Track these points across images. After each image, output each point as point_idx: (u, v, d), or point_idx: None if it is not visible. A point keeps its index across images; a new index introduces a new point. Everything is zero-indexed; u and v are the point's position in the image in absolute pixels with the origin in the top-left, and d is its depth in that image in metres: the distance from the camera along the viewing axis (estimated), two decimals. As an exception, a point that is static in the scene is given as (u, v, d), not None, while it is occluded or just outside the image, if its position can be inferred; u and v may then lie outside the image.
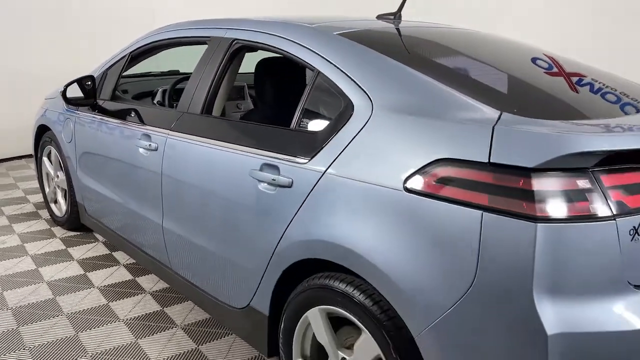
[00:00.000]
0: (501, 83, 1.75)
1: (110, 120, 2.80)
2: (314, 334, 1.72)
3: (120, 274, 3.03)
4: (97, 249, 3.39)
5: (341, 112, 1.66)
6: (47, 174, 3.81)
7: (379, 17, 2.40)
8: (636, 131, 1.37)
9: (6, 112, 5.59)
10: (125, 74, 3.06)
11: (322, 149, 1.65)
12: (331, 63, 1.76)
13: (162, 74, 3.88)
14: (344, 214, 1.54)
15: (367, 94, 1.62)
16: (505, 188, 1.23)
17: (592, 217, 1.19)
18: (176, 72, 3.88)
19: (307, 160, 1.68)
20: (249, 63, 2.47)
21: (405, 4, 2.37)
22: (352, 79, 1.68)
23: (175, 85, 3.06)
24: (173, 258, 2.39)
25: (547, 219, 1.18)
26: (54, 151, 3.59)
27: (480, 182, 1.27)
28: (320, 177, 1.62)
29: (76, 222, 3.48)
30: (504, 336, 1.23)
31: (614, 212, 1.20)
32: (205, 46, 2.36)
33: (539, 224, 1.17)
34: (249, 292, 1.94)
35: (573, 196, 1.20)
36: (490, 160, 1.27)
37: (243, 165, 1.89)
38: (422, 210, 1.35)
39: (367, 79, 1.66)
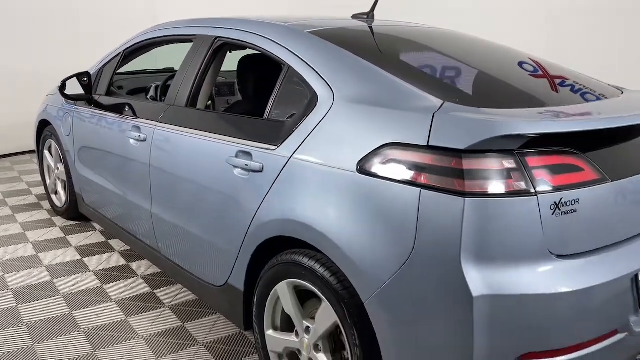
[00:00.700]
0: (453, 75, 1.90)
1: (104, 114, 2.97)
2: (283, 306, 1.88)
3: (115, 260, 3.20)
4: (94, 236, 3.56)
5: (307, 103, 1.81)
6: (48, 167, 3.99)
7: (354, 16, 2.55)
8: (564, 117, 1.52)
9: (11, 110, 5.80)
10: (123, 71, 3.22)
11: (289, 136, 1.81)
12: (300, 58, 1.92)
13: (158, 71, 4.05)
14: (308, 195, 1.69)
15: (329, 85, 1.77)
16: (440, 168, 1.38)
17: (516, 193, 1.34)
18: (171, 70, 4.04)
19: (276, 147, 1.84)
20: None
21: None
22: (317, 73, 1.84)
23: (167, 82, 3.22)
24: (161, 242, 2.56)
25: (475, 194, 1.33)
26: (54, 144, 3.78)
27: (420, 163, 1.42)
28: (287, 162, 1.78)
29: (75, 212, 3.67)
30: (437, 300, 1.38)
31: (536, 190, 1.35)
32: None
33: (467, 199, 1.33)
34: (227, 270, 2.10)
35: (499, 175, 1.35)
36: (429, 144, 1.42)
37: (221, 152, 2.05)
38: (371, 190, 1.51)
39: (331, 72, 1.81)
